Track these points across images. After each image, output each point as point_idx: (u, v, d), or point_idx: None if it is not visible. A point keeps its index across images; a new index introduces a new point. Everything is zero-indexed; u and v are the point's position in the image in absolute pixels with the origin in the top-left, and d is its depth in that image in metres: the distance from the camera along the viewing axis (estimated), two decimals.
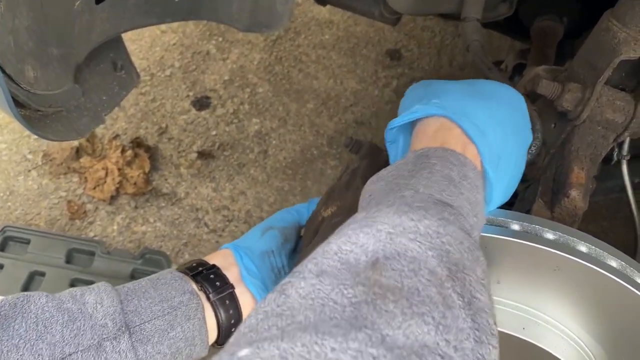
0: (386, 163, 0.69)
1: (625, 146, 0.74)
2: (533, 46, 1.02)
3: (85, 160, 1.57)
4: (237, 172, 1.61)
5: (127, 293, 0.64)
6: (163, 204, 1.52)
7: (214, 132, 1.70)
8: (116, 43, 1.00)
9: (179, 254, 1.43)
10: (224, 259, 0.74)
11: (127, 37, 1.93)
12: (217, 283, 0.69)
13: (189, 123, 1.72)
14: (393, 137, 0.62)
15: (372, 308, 0.36)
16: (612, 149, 0.74)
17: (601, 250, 0.56)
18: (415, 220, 0.42)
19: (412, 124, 0.59)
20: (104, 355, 0.59)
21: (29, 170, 1.60)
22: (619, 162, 0.74)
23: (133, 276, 1.34)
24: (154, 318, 0.63)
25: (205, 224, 1.50)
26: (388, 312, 0.35)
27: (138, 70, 1.86)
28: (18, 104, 0.75)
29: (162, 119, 1.72)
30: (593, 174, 0.68)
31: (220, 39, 1.92)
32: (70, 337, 0.58)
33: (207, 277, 0.69)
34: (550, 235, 0.56)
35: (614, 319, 0.58)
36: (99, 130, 1.67)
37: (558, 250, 0.55)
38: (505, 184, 0.57)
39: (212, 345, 0.70)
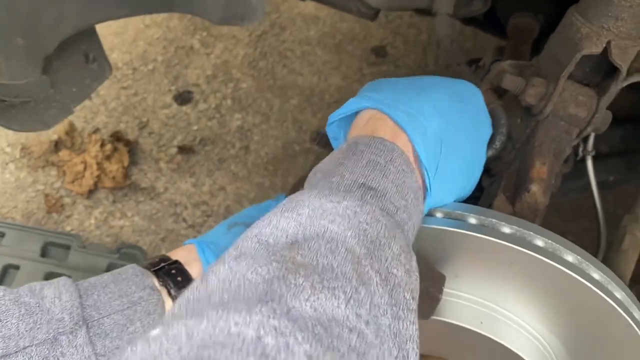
0: None
1: (590, 142, 0.74)
2: (508, 43, 1.02)
3: (64, 153, 1.56)
4: (217, 168, 1.60)
5: (87, 288, 0.64)
6: (141, 199, 1.51)
7: (195, 127, 1.69)
8: (89, 35, 0.99)
9: (156, 249, 1.42)
10: (187, 254, 0.74)
11: (110, 30, 1.93)
12: (179, 278, 0.69)
13: (170, 117, 1.71)
14: (334, 133, 0.63)
15: (282, 282, 0.36)
16: (578, 145, 0.74)
17: (558, 245, 0.56)
18: (335, 202, 0.43)
19: (351, 117, 0.60)
20: (60, 350, 0.59)
21: (7, 163, 1.59)
22: (584, 159, 0.74)
23: (109, 271, 1.33)
24: (113, 313, 0.62)
25: (184, 219, 1.49)
26: (297, 286, 0.36)
27: (120, 64, 1.86)
28: None
29: (143, 113, 1.71)
30: (557, 169, 0.68)
31: (205, 34, 1.91)
32: (26, 331, 0.58)
33: (169, 272, 0.69)
34: (507, 229, 0.56)
35: (570, 313, 0.58)
36: (79, 124, 1.66)
37: (514, 244, 0.54)
38: (452, 170, 0.57)
39: None
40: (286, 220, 0.42)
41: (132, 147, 1.61)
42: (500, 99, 0.72)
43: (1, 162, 1.60)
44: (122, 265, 1.33)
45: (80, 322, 0.60)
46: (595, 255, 0.74)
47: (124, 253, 1.36)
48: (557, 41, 0.66)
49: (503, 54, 1.09)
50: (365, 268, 0.39)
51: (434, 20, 0.86)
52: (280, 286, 0.36)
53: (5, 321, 0.57)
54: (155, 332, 0.32)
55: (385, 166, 0.50)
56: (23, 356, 0.57)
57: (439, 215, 0.57)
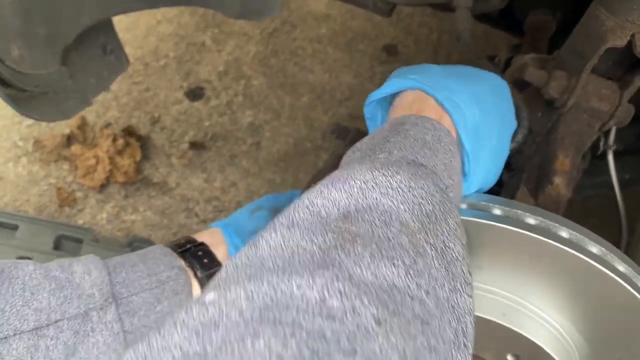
0: None
1: (612, 136, 0.74)
2: (525, 40, 1.02)
3: (76, 147, 1.57)
4: (228, 164, 1.60)
5: (116, 265, 0.64)
6: (153, 194, 1.52)
7: (206, 123, 1.70)
8: (106, 27, 0.99)
9: None
10: (212, 237, 0.74)
11: (122, 26, 1.93)
12: (205, 260, 0.70)
13: (182, 113, 1.71)
14: (372, 113, 0.62)
15: (340, 251, 0.36)
16: (599, 139, 0.74)
17: (582, 236, 0.55)
18: (388, 176, 0.43)
19: (391, 101, 0.60)
20: (90, 325, 0.59)
21: (19, 157, 1.60)
22: (602, 156, 0.74)
23: None
24: (142, 291, 0.63)
25: (196, 214, 1.49)
26: (356, 254, 0.35)
27: (132, 59, 1.86)
28: (3, 83, 0.74)
29: (154, 108, 1.71)
30: (578, 162, 0.68)
31: (216, 31, 1.92)
32: (57, 305, 0.58)
33: (195, 254, 0.70)
34: (531, 220, 0.55)
35: (594, 306, 0.58)
36: (91, 118, 1.66)
37: (539, 235, 0.54)
38: (484, 160, 0.57)
39: None
40: (337, 192, 0.42)
41: (144, 142, 1.62)
42: (521, 93, 0.72)
43: (14, 155, 1.60)
44: None
45: (110, 299, 0.60)
46: (617, 247, 0.74)
47: (136, 247, 1.36)
48: (580, 34, 0.66)
49: (517, 52, 1.09)
50: (420, 241, 0.39)
51: (454, 18, 0.86)
52: (338, 254, 0.35)
53: (37, 295, 0.58)
54: (210, 296, 0.31)
55: (433, 145, 0.49)
56: (55, 329, 0.57)
57: (463, 206, 0.57)
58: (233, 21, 1.92)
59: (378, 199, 0.41)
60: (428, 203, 0.42)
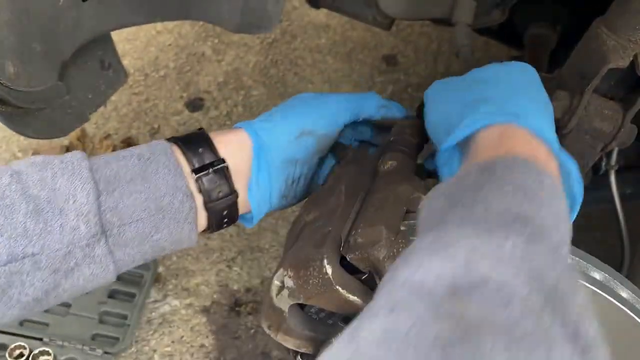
0: (372, 169, 0.68)
1: (614, 156, 0.73)
2: (526, 54, 1.01)
3: None
4: None
5: (109, 180, 0.54)
6: None
7: None
8: (104, 41, 0.99)
9: (166, 256, 1.41)
10: (239, 154, 0.61)
11: (122, 36, 1.93)
12: (220, 193, 0.58)
13: (182, 124, 1.71)
14: (446, 159, 0.54)
15: (468, 346, 0.30)
16: (600, 159, 0.73)
17: (585, 262, 0.54)
18: (497, 242, 0.36)
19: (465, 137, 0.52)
20: (74, 261, 0.51)
21: None
22: (605, 173, 0.73)
23: (119, 277, 1.31)
24: (137, 220, 0.54)
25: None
26: (489, 351, 0.30)
27: (132, 70, 1.86)
28: None
29: (154, 119, 1.71)
30: None
31: (216, 41, 1.91)
32: (35, 233, 0.49)
33: (213, 182, 0.58)
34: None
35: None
36: (90, 130, 1.66)
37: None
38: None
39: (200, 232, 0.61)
40: (438, 263, 0.35)
41: None
42: None
43: None
44: (132, 273, 1.33)
45: (99, 234, 0.51)
46: (619, 269, 0.73)
47: None
48: (582, 54, 0.65)
49: None
50: (547, 323, 0.32)
51: (453, 30, 0.85)
52: (466, 351, 0.29)
53: (10, 218, 0.49)
54: None
55: (536, 192, 0.42)
56: (31, 264, 0.49)
57: None
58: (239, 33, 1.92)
59: (489, 270, 0.34)
60: (550, 276, 0.35)
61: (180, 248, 0.59)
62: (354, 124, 0.69)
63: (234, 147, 0.61)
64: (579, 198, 0.51)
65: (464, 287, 0.34)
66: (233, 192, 0.60)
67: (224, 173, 0.59)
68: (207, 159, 0.59)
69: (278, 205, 0.68)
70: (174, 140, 0.61)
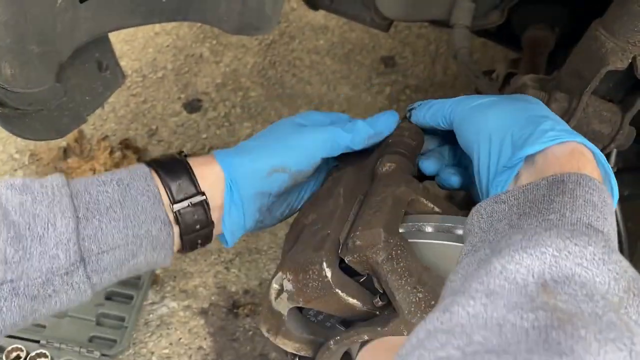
0: (371, 172, 0.67)
1: (612, 158, 0.73)
2: (524, 55, 1.01)
3: (72, 160, 1.55)
4: None
5: (88, 207, 0.54)
6: None
7: (204, 135, 1.69)
8: (102, 42, 0.98)
9: None
10: (215, 187, 0.61)
11: (120, 38, 1.93)
12: (198, 226, 0.59)
13: (180, 125, 1.70)
14: (506, 169, 0.55)
15: (563, 333, 0.33)
16: None
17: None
18: (580, 246, 0.40)
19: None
20: (52, 288, 0.52)
21: (15, 170, 1.58)
22: None
23: None
24: (115, 247, 0.54)
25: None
26: (582, 339, 0.33)
27: (130, 71, 1.85)
28: None
29: (152, 120, 1.70)
30: None
31: (214, 42, 1.91)
32: (14, 260, 0.50)
33: (191, 214, 0.58)
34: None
35: None
36: (88, 131, 1.65)
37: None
38: None
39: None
40: (530, 258, 0.39)
41: (141, 155, 1.60)
42: None
43: (10, 168, 1.59)
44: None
45: (77, 262, 0.52)
46: None
47: None
48: (580, 55, 0.65)
49: (516, 66, 1.08)
50: (625, 317, 0.37)
51: (451, 32, 0.85)
52: (563, 337, 0.33)
53: None
54: None
55: (602, 207, 0.46)
56: (9, 290, 0.50)
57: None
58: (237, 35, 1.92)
59: (573, 269, 0.39)
60: (623, 279, 0.40)
61: (155, 268, 0.61)
62: None
63: (211, 180, 0.61)
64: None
65: (553, 281, 0.38)
66: (209, 225, 0.61)
67: (202, 205, 0.59)
68: (187, 192, 0.59)
69: (255, 228, 0.69)
70: (155, 165, 0.61)
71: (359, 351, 0.64)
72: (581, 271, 0.39)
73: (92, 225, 0.54)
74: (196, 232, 0.60)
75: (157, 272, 1.37)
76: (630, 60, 0.61)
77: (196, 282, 1.37)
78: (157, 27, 1.95)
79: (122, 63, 1.85)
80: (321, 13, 2.03)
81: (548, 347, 0.32)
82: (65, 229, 0.52)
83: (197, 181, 0.60)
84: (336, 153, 0.66)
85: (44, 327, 1.21)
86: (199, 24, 1.96)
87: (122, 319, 1.25)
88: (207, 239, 0.63)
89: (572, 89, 0.65)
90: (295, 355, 0.68)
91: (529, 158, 0.53)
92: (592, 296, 0.37)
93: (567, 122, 0.64)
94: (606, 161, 0.54)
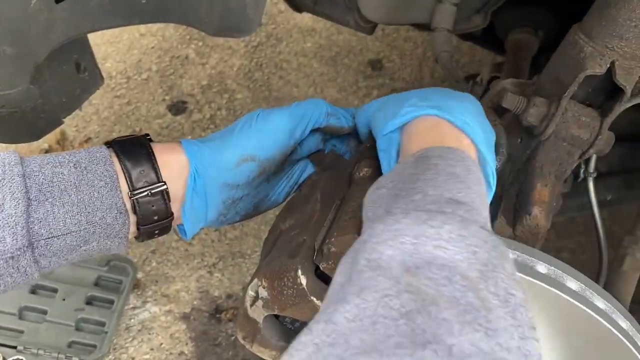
0: (348, 176, 0.66)
1: (592, 163, 0.72)
2: (507, 59, 1.01)
3: None
4: None
5: (41, 189, 0.51)
6: None
7: (189, 137, 1.67)
8: (81, 44, 0.97)
9: (146, 262, 1.39)
10: (178, 178, 0.58)
11: (104, 39, 1.91)
12: (156, 217, 0.57)
13: (164, 127, 1.69)
14: (386, 145, 0.57)
15: (427, 317, 0.35)
16: (579, 166, 0.73)
17: (560, 272, 0.54)
18: (437, 227, 0.41)
19: (400, 129, 0.57)
20: None
21: None
22: (584, 180, 0.73)
23: (97, 283, 1.30)
24: (66, 233, 0.52)
25: (175, 231, 1.46)
26: (446, 321, 0.34)
27: (114, 72, 1.83)
28: None
29: (136, 122, 1.69)
30: (558, 191, 0.66)
31: (200, 44, 1.90)
32: None
33: (150, 204, 0.55)
34: (508, 255, 0.54)
35: (573, 342, 0.56)
36: (70, 133, 1.63)
37: (516, 270, 0.52)
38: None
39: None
40: (391, 249, 0.40)
41: None
42: (500, 118, 0.71)
43: None
44: (111, 279, 1.31)
45: (25, 247, 0.49)
46: (597, 277, 0.73)
47: (113, 266, 1.33)
48: (560, 60, 0.65)
49: (500, 70, 1.08)
50: (483, 292, 0.38)
51: (432, 36, 0.84)
52: (427, 322, 0.34)
53: None
54: None
55: (465, 177, 0.47)
56: None
57: None
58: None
59: (433, 252, 0.40)
60: (482, 251, 0.41)
61: (108, 253, 0.58)
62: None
63: (175, 169, 0.59)
64: (493, 187, 0.55)
65: (414, 265, 0.39)
66: (169, 216, 0.58)
67: (162, 195, 0.57)
68: (147, 180, 0.56)
69: (217, 223, 0.67)
70: (116, 147, 0.58)
71: None
72: (440, 253, 0.40)
73: (43, 209, 0.51)
74: (154, 223, 0.57)
75: (139, 276, 1.35)
76: (608, 65, 0.60)
77: (178, 287, 1.36)
78: (143, 28, 1.94)
79: (107, 64, 1.84)
80: (308, 15, 2.03)
81: (414, 337, 0.33)
82: (14, 211, 0.49)
83: (159, 169, 0.57)
84: (302, 131, 0.64)
85: (22, 332, 1.19)
86: (185, 26, 1.95)
87: (103, 324, 1.23)
88: (165, 229, 0.60)
89: (552, 93, 0.64)
90: None
91: (403, 138, 0.55)
92: (451, 277, 0.38)
93: (546, 127, 0.63)
94: (479, 135, 0.54)
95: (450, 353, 0.32)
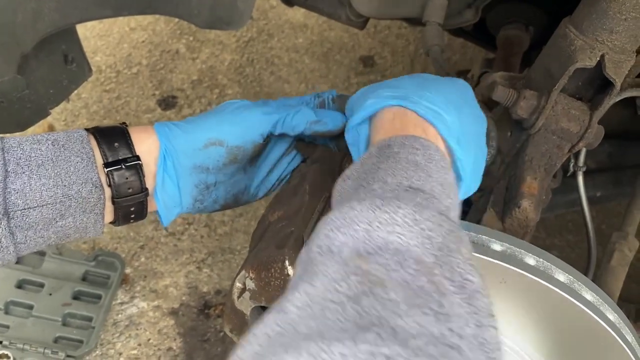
0: (337, 169, 0.66)
1: (581, 157, 0.72)
2: (498, 54, 1.01)
3: None
4: None
5: (19, 162, 0.54)
6: None
7: None
8: (69, 34, 0.95)
9: (134, 257, 1.38)
10: (151, 155, 0.61)
11: (94, 32, 1.89)
12: (130, 189, 0.58)
13: (154, 122, 1.67)
14: (354, 139, 0.58)
15: (373, 299, 0.34)
16: (568, 160, 0.73)
17: (549, 264, 0.54)
18: (390, 212, 0.40)
19: (368, 120, 0.57)
20: None
21: None
22: (573, 174, 0.73)
23: (85, 278, 1.29)
24: (42, 205, 0.54)
25: (164, 227, 1.45)
26: (392, 301, 0.34)
27: (104, 66, 1.82)
28: None
29: (125, 117, 1.67)
30: (547, 184, 0.66)
31: (191, 38, 1.88)
32: None
33: (124, 177, 0.58)
34: (497, 247, 0.54)
35: (561, 334, 0.56)
36: (59, 126, 1.62)
37: (505, 262, 0.52)
38: (471, 162, 0.55)
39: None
40: (343, 236, 0.40)
41: None
42: (490, 112, 0.71)
43: None
44: (98, 274, 1.30)
45: (0, 215, 0.51)
46: (585, 271, 0.73)
47: (100, 261, 1.32)
48: (550, 53, 0.65)
49: (491, 66, 1.08)
50: (438, 277, 0.37)
51: (423, 29, 0.84)
52: (373, 304, 0.34)
53: None
54: None
55: (425, 165, 0.47)
56: None
57: None
58: (209, 29, 1.90)
59: (386, 237, 0.39)
60: (437, 235, 0.40)
61: (85, 237, 0.59)
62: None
63: (145, 148, 0.61)
64: (464, 179, 0.54)
65: (366, 251, 0.38)
66: (143, 191, 0.60)
67: (137, 170, 0.59)
68: (121, 155, 0.59)
69: (194, 209, 0.67)
70: (93, 130, 0.61)
71: None
72: (394, 238, 0.39)
73: (20, 180, 0.53)
74: (129, 197, 0.59)
75: (127, 271, 1.34)
76: (598, 58, 0.60)
77: (167, 282, 1.35)
78: (133, 22, 1.92)
79: (96, 58, 1.82)
80: (300, 11, 2.02)
81: (360, 320, 0.33)
82: None
83: (132, 145, 0.60)
84: (276, 131, 0.65)
85: (7, 327, 1.18)
86: (176, 20, 1.93)
87: (90, 319, 1.22)
88: (141, 208, 0.61)
89: (542, 86, 0.64)
90: None
91: (371, 129, 0.55)
92: (403, 262, 0.37)
93: (536, 120, 0.63)
94: (450, 127, 0.53)
95: (394, 334, 0.32)
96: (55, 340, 1.19)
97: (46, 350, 1.15)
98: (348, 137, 0.59)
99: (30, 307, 1.21)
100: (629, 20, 0.58)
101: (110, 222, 0.61)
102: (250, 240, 0.73)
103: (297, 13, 1.97)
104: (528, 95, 0.63)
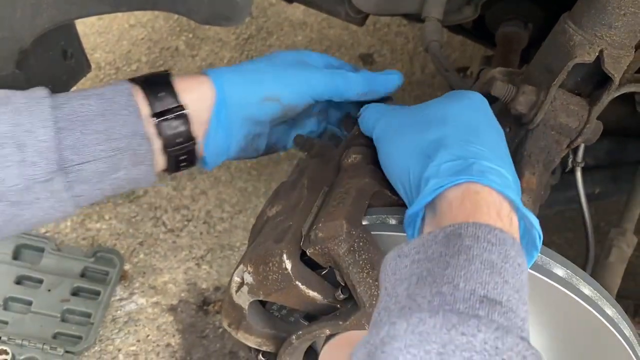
0: (336, 163, 0.66)
1: (580, 153, 0.72)
2: (497, 52, 1.01)
3: None
4: (199, 172, 1.57)
5: (70, 118, 0.55)
6: (120, 201, 1.47)
7: None
8: (68, 30, 0.96)
9: (133, 253, 1.38)
10: (200, 104, 0.61)
11: (94, 29, 1.89)
12: (179, 139, 0.60)
13: None
14: (411, 221, 0.52)
15: None
16: (567, 155, 0.73)
17: (547, 258, 0.54)
18: (468, 335, 0.37)
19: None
20: (33, 195, 0.54)
21: None
22: (572, 170, 0.73)
23: (84, 275, 1.29)
24: (96, 159, 0.56)
25: (163, 223, 1.45)
26: None
27: (103, 63, 1.82)
28: None
29: None
30: (546, 180, 0.66)
31: (191, 36, 1.88)
32: None
33: (172, 127, 0.59)
34: None
35: (559, 329, 0.56)
36: None
37: None
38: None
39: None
40: (414, 358, 0.36)
41: None
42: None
43: None
44: (97, 270, 1.30)
45: (56, 169, 0.54)
46: (583, 268, 0.73)
47: (99, 257, 1.32)
48: (549, 49, 0.65)
49: (491, 63, 1.08)
50: None
51: (422, 25, 0.84)
52: None
53: None
54: None
55: (502, 266, 0.42)
56: None
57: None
58: (208, 26, 1.89)
59: None
60: None
61: (138, 187, 0.64)
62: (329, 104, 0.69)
63: (196, 96, 0.62)
64: (539, 246, 0.51)
65: None
66: (191, 140, 0.61)
67: (184, 120, 0.60)
68: (168, 104, 0.60)
69: (236, 157, 0.69)
70: (137, 81, 0.62)
71: (323, 346, 0.63)
72: None
73: (73, 136, 0.55)
74: (178, 146, 0.60)
75: (126, 267, 1.34)
76: (597, 54, 0.60)
77: (166, 278, 1.35)
78: (132, 19, 1.92)
79: (96, 55, 1.82)
80: (300, 9, 2.02)
81: None
82: (45, 138, 0.53)
83: (178, 94, 0.61)
84: (329, 97, 0.66)
85: (6, 323, 1.18)
86: (175, 17, 1.93)
87: (89, 315, 1.22)
88: (191, 155, 0.63)
89: (541, 82, 0.64)
90: (258, 350, 0.66)
91: (433, 209, 0.50)
92: None
93: (535, 115, 0.63)
94: (516, 190, 0.49)
95: None
96: (54, 336, 1.19)
97: (45, 346, 1.15)
98: (407, 222, 0.53)
99: (29, 303, 1.21)
100: (628, 15, 0.58)
101: (164, 170, 0.63)
102: (249, 235, 0.73)
103: (297, 11, 1.97)
104: (527, 91, 0.63)
